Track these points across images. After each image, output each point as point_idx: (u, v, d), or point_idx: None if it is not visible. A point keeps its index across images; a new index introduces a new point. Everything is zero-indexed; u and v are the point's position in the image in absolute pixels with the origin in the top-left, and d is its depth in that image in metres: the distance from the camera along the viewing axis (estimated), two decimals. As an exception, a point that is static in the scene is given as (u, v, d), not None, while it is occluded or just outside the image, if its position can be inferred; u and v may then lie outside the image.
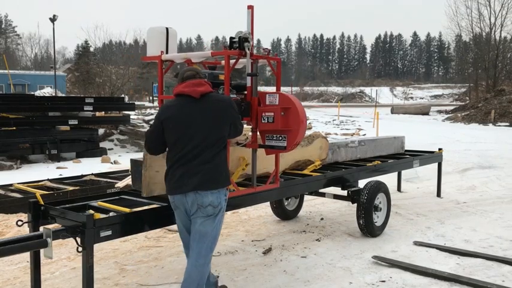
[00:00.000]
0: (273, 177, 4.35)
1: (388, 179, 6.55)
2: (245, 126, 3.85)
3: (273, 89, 4.65)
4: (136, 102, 23.53)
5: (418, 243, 5.05)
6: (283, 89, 4.22)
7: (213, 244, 3.26)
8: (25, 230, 3.99)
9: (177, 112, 3.20)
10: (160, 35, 4.30)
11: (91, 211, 3.26)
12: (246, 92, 4.05)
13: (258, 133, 4.14)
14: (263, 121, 3.95)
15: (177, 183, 3.17)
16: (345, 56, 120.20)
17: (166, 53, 4.28)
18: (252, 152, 4.18)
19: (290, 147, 3.97)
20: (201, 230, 3.17)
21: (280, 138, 3.98)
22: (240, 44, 3.79)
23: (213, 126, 3.19)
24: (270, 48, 4.36)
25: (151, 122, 14.50)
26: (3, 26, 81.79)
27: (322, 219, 6.12)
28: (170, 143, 3.23)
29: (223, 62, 4.23)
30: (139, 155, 4.17)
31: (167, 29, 4.34)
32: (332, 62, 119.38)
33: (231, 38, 3.85)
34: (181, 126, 3.17)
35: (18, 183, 5.21)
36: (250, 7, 3.95)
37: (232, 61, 4.09)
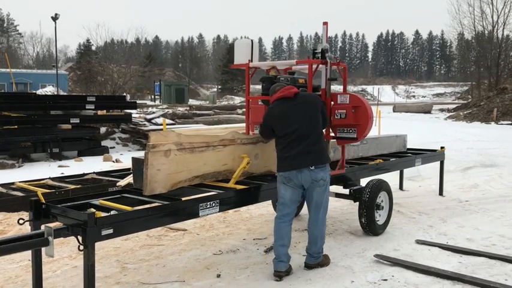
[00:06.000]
0: (340, 164, 5.20)
1: (390, 178, 6.53)
2: None
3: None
4: (138, 101, 23.55)
5: (420, 242, 5.03)
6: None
7: (326, 209, 4.30)
8: (26, 229, 3.98)
9: (280, 111, 4.19)
10: (246, 46, 5.26)
11: (92, 209, 3.26)
12: (319, 93, 4.85)
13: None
14: (336, 117, 4.85)
15: (293, 162, 4.06)
16: (347, 54, 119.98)
17: (251, 61, 5.22)
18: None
19: (360, 137, 4.90)
20: (317, 201, 4.18)
21: (351, 131, 4.87)
22: (322, 54, 4.79)
23: (309, 116, 4.15)
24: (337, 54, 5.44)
25: (153, 121, 14.50)
26: (5, 24, 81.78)
27: (324, 217, 6.11)
28: (280, 133, 4.16)
29: (294, 67, 5.39)
30: (140, 154, 4.17)
31: (252, 41, 5.30)
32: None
33: (314, 49, 4.92)
34: (285, 120, 4.13)
35: (20, 182, 5.20)
36: (325, 23, 4.99)
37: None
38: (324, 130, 4.55)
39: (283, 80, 4.68)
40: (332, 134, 5.03)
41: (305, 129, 4.09)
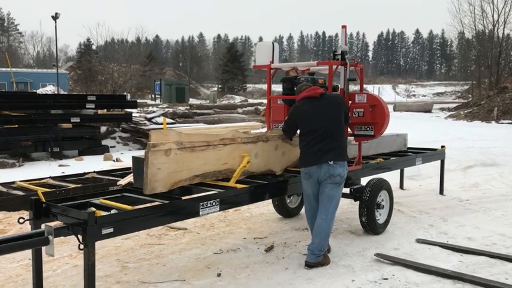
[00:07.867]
0: (356, 161, 5.43)
1: (391, 177, 6.53)
2: None
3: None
4: (139, 100, 23.57)
5: (420, 241, 5.03)
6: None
7: (337, 205, 4.43)
8: (27, 228, 3.99)
9: (306, 109, 4.42)
10: (268, 48, 5.46)
11: (92, 208, 3.25)
12: (338, 93, 5.06)
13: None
14: (354, 115, 5.07)
15: (314, 158, 4.29)
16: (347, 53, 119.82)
17: (272, 62, 5.45)
18: None
19: (377, 135, 5.14)
20: (329, 194, 4.32)
21: (368, 128, 5.10)
22: (342, 56, 5.05)
23: (333, 115, 4.39)
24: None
25: (153, 120, 14.50)
26: (5, 24, 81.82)
27: (324, 216, 6.10)
28: (304, 130, 4.42)
29: (312, 68, 5.57)
30: (141, 153, 4.17)
31: (273, 43, 5.52)
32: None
33: (334, 51, 5.17)
34: (310, 118, 4.37)
35: (20, 181, 5.21)
36: (344, 27, 5.35)
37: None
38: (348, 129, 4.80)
39: (303, 81, 4.83)
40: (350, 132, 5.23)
41: (328, 127, 4.32)
